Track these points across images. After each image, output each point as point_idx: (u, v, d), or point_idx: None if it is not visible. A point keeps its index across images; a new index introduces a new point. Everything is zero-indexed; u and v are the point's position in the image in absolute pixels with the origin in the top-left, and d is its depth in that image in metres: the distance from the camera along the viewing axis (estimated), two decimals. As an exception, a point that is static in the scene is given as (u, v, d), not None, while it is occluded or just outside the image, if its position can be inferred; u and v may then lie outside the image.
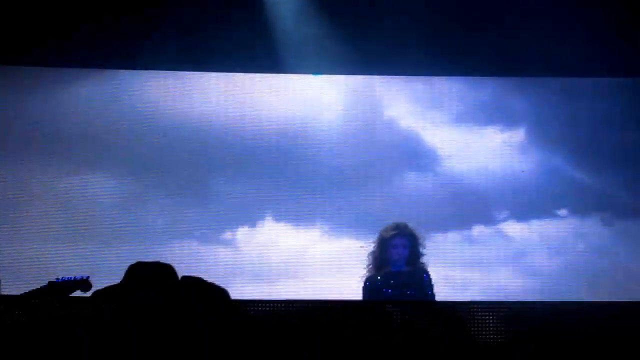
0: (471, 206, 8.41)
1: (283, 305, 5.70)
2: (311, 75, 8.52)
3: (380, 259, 6.57)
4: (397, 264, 6.52)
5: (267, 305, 5.35)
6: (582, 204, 8.37)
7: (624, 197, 8.36)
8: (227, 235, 8.31)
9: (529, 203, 8.39)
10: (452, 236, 8.31)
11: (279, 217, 8.34)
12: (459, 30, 8.28)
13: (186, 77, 8.53)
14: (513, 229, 8.38)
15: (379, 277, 6.53)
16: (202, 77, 8.54)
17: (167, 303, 3.50)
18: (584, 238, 8.33)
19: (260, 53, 8.32)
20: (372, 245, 6.70)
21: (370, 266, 6.62)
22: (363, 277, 6.63)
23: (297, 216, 8.34)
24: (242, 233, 8.32)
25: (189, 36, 8.21)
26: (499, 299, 7.90)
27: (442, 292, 7.05)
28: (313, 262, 8.27)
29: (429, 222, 8.20)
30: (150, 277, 3.60)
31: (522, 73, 8.51)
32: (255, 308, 4.93)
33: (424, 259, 6.63)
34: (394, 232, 6.58)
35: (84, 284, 5.60)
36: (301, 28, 8.25)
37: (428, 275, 6.55)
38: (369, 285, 6.54)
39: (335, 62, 8.31)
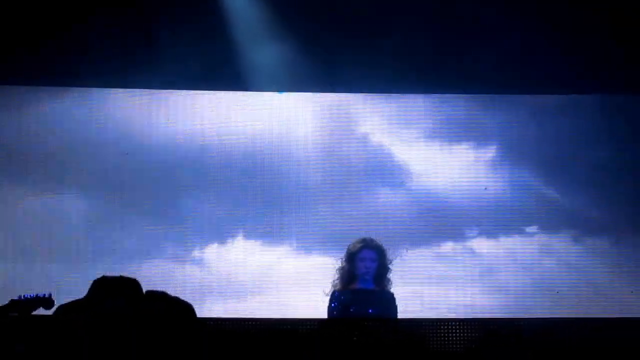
0: (441, 223, 8.42)
1: (251, 322, 5.70)
2: (277, 92, 8.50)
3: (348, 274, 6.57)
4: (365, 278, 6.51)
5: (236, 323, 5.34)
6: (551, 221, 8.40)
7: (592, 214, 8.40)
8: (196, 253, 8.30)
9: (498, 220, 8.41)
10: (422, 252, 8.32)
11: (248, 235, 8.34)
12: (430, 48, 8.30)
13: (156, 95, 8.50)
14: (482, 245, 8.40)
15: (343, 294, 6.51)
16: (171, 95, 8.52)
17: (134, 313, 3.50)
18: (552, 254, 8.35)
19: (229, 71, 8.33)
20: (340, 261, 6.69)
21: (337, 281, 6.61)
22: (328, 293, 6.61)
23: (267, 233, 8.34)
24: (211, 251, 8.31)
25: (157, 55, 8.19)
26: (468, 316, 7.93)
27: (411, 308, 7.10)
28: (283, 279, 8.26)
29: (398, 239, 8.22)
30: (116, 288, 3.60)
31: (493, 90, 8.53)
32: (225, 325, 4.92)
33: (390, 275, 6.62)
34: (361, 245, 6.62)
35: (46, 301, 5.55)
36: (269, 46, 8.26)
37: (394, 298, 6.56)
38: (334, 302, 6.52)
39: (304, 80, 8.32)
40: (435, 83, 8.46)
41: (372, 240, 6.68)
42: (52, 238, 8.20)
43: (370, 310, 6.42)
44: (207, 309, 7.54)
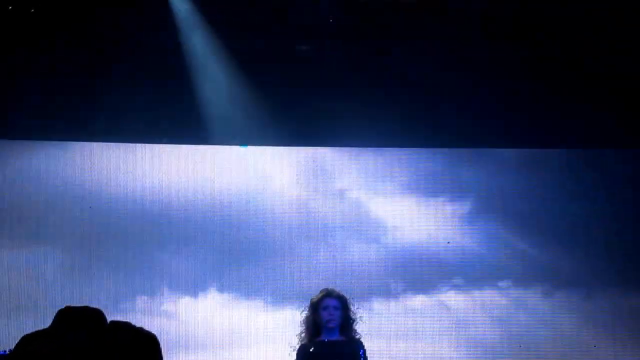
0: (415, 277, 8.44)
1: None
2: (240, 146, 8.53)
3: (313, 324, 6.53)
4: (330, 327, 6.47)
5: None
6: (524, 275, 8.43)
7: (565, 268, 8.44)
8: (170, 306, 8.31)
9: (472, 274, 8.43)
10: (395, 307, 8.34)
11: (221, 288, 8.36)
12: (406, 103, 8.39)
13: (130, 149, 8.50)
14: (456, 299, 8.42)
15: (312, 347, 6.48)
16: (151, 148, 8.54)
17: (96, 345, 3.48)
18: (525, 308, 8.38)
19: (196, 125, 8.36)
20: (304, 313, 6.67)
21: (304, 334, 6.57)
22: (295, 346, 6.58)
23: (240, 287, 8.36)
24: (185, 304, 8.32)
25: (116, 107, 8.21)
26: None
27: (367, 360, 7.02)
28: (256, 332, 8.28)
29: (372, 293, 8.25)
30: (80, 319, 3.58)
31: (468, 145, 8.61)
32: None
33: (357, 326, 6.59)
34: (322, 294, 6.61)
35: None
36: (228, 99, 8.30)
37: (364, 348, 6.54)
38: (302, 355, 6.48)
39: (271, 134, 8.36)
40: (410, 137, 8.52)
41: (333, 289, 6.69)
42: (21, 292, 8.18)
43: None
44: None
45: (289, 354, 6.63)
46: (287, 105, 8.36)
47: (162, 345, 3.81)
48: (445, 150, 8.68)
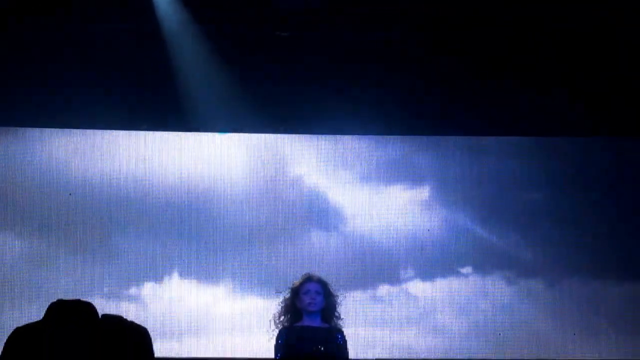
0: (376, 265, 8.40)
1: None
2: (217, 133, 8.44)
3: (292, 308, 6.48)
4: (311, 310, 6.42)
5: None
6: (485, 262, 8.43)
7: (527, 255, 8.46)
8: (133, 291, 8.20)
9: (433, 261, 8.41)
10: (357, 295, 8.27)
11: (184, 274, 8.25)
12: (366, 87, 8.33)
13: (91, 134, 8.39)
14: (418, 287, 8.39)
15: (293, 332, 6.42)
16: (107, 134, 8.41)
17: (88, 338, 3.43)
18: (487, 296, 8.38)
19: (167, 110, 8.29)
20: (283, 297, 6.61)
21: (283, 318, 6.51)
22: (274, 330, 6.51)
23: (203, 273, 8.26)
24: (148, 289, 8.20)
25: (94, 93, 8.10)
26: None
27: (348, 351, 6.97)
28: (219, 319, 8.18)
29: (333, 281, 8.15)
30: (71, 313, 3.52)
31: (428, 131, 8.58)
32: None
33: (338, 312, 6.55)
34: (303, 279, 6.57)
35: None
36: (206, 86, 8.21)
37: (343, 335, 6.51)
38: (282, 339, 6.42)
39: (242, 120, 8.29)
40: (370, 124, 8.45)
41: (314, 274, 6.66)
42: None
43: (322, 348, 6.34)
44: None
45: (268, 340, 6.56)
46: (267, 92, 8.27)
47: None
48: (404, 137, 8.61)
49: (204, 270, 8.24)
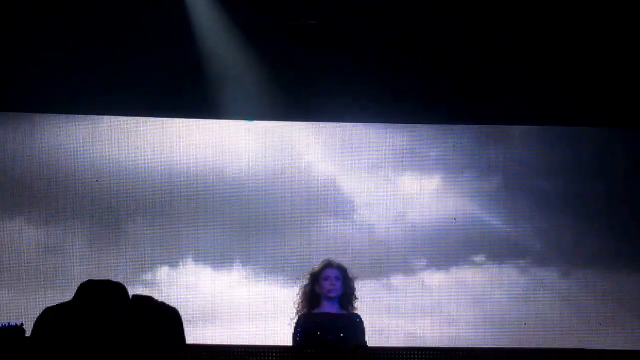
0: (389, 254, 8.36)
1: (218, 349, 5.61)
2: (243, 120, 8.45)
3: (312, 294, 6.47)
4: (331, 297, 6.41)
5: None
6: (498, 252, 8.40)
7: (541, 245, 8.43)
8: (148, 276, 8.19)
9: (446, 251, 8.38)
10: (370, 284, 8.22)
11: (198, 260, 8.26)
12: (378, 77, 8.29)
13: (103, 121, 8.40)
14: (431, 277, 8.36)
15: (311, 318, 6.40)
16: (120, 121, 8.41)
17: (118, 318, 3.42)
18: (501, 286, 8.35)
19: (186, 96, 8.27)
20: (302, 283, 6.59)
21: (302, 303, 6.49)
22: (293, 318, 6.49)
23: (216, 259, 8.27)
24: (162, 274, 8.20)
25: (107, 80, 8.08)
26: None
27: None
28: (231, 305, 8.18)
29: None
30: (103, 293, 3.51)
31: (438, 120, 8.55)
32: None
33: (355, 298, 6.53)
34: (323, 264, 6.55)
35: (19, 331, 5.32)
36: (228, 73, 8.20)
37: (361, 321, 6.47)
38: (301, 327, 6.39)
39: (260, 108, 8.27)
40: (380, 112, 8.43)
41: (333, 260, 6.63)
42: (3, 266, 8.11)
43: (342, 335, 6.31)
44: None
45: (288, 324, 6.54)
46: (293, 80, 8.26)
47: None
48: (414, 126, 8.60)
49: (216, 256, 8.26)
